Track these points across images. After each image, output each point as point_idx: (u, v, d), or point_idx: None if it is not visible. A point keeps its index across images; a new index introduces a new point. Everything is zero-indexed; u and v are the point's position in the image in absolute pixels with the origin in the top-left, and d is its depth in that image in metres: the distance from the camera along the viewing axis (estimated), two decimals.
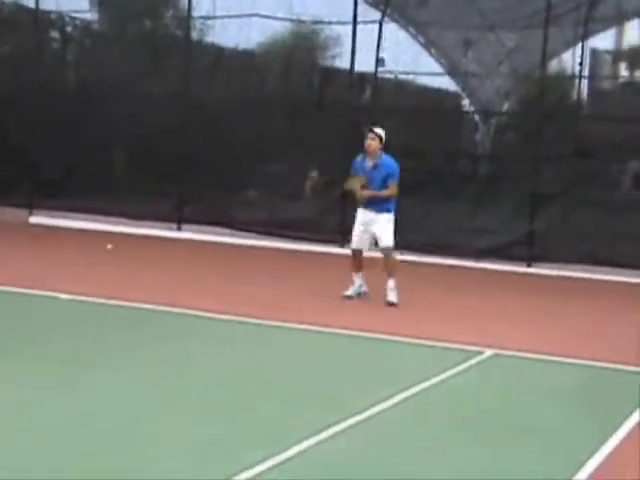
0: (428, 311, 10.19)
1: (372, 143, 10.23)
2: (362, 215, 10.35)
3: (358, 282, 10.50)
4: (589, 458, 5.43)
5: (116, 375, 6.75)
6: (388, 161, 10.29)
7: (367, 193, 10.19)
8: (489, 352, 8.12)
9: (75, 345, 7.68)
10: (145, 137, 15.74)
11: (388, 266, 10.27)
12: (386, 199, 10.21)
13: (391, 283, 10.19)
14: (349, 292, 10.45)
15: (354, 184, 10.28)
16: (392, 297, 10.15)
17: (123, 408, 5.98)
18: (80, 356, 7.30)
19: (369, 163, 10.27)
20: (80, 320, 8.75)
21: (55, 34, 18.00)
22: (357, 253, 10.45)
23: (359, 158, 10.45)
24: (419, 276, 13.05)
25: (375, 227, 10.24)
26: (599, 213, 14.10)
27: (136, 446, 5.32)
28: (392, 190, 10.20)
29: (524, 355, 8.12)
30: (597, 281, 13.16)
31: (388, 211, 10.22)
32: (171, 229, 15.79)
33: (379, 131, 10.30)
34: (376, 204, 10.20)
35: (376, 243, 10.41)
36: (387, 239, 10.18)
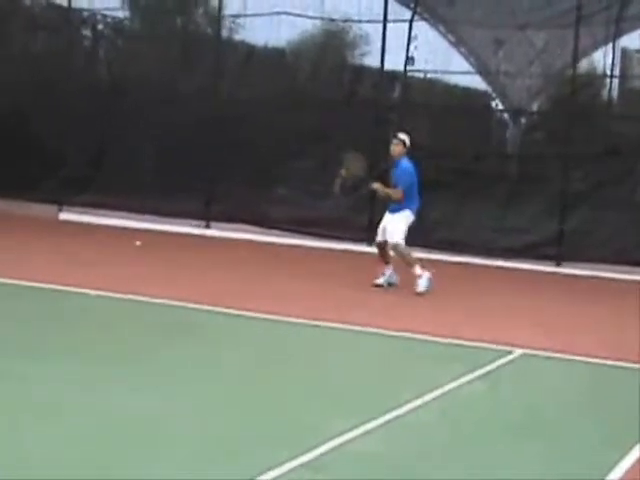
0: (456, 310, 10.18)
1: (395, 148, 10.98)
2: (386, 215, 11.12)
3: (388, 272, 11.05)
4: (615, 463, 5.40)
5: (147, 374, 6.81)
6: (403, 166, 10.90)
7: (376, 185, 11.06)
8: (518, 352, 8.11)
9: (98, 340, 7.76)
10: (175, 134, 15.82)
11: (401, 260, 10.90)
12: (396, 201, 10.87)
13: (415, 272, 10.72)
14: (380, 280, 11.01)
15: (347, 165, 11.14)
16: (417, 287, 10.71)
17: (154, 406, 6.02)
18: (107, 352, 7.37)
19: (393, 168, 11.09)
20: (108, 317, 8.84)
21: (87, 32, 18.13)
22: (379, 246, 11.10)
23: (409, 163, 11.06)
24: (447, 275, 13.03)
25: (388, 223, 10.96)
26: (629, 212, 14.03)
27: (160, 444, 5.31)
28: (397, 193, 10.83)
29: (553, 355, 8.10)
30: (626, 281, 13.09)
31: (402, 210, 10.88)
32: (200, 227, 15.87)
33: (403, 136, 10.95)
34: (392, 205, 11.00)
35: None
36: (392, 235, 10.80)
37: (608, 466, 5.30)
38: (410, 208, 10.95)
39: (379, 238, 11.10)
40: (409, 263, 10.86)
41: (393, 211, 10.97)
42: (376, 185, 11.05)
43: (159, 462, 5.00)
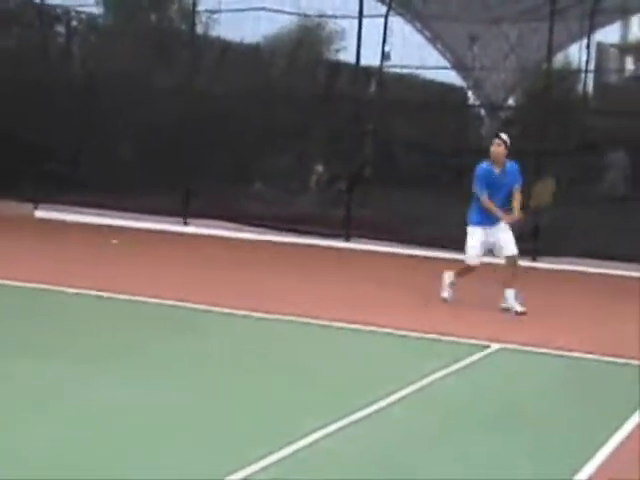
0: (434, 306, 10.19)
1: (499, 150, 9.82)
2: (482, 233, 9.94)
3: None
4: (593, 455, 5.43)
5: (126, 372, 6.79)
6: (514, 167, 9.98)
7: (512, 218, 9.86)
8: (495, 346, 8.14)
9: (85, 341, 7.72)
10: (152, 131, 15.77)
11: (511, 273, 9.93)
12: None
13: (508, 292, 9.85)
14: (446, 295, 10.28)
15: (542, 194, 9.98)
16: (517, 307, 9.77)
17: (138, 405, 6.00)
18: (87, 350, 7.34)
19: (497, 170, 9.88)
20: (88, 315, 8.79)
21: (60, 28, 18.02)
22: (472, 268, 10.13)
23: (484, 165, 9.94)
24: (425, 271, 13.07)
25: (497, 235, 9.87)
26: (604, 207, 14.11)
27: (135, 443, 5.31)
28: (520, 196, 9.97)
29: (530, 349, 8.13)
30: (602, 275, 13.15)
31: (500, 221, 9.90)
32: (178, 223, 15.82)
33: (505, 137, 9.90)
34: (491, 217, 9.87)
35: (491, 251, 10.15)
36: (513, 247, 9.87)
37: (580, 461, 5.32)
38: (472, 222, 10.07)
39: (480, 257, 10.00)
40: (515, 281, 9.92)
41: (494, 223, 9.86)
42: (511, 218, 9.86)
43: (131, 460, 4.98)
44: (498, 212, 9.81)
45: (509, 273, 9.92)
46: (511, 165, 9.95)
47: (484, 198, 9.79)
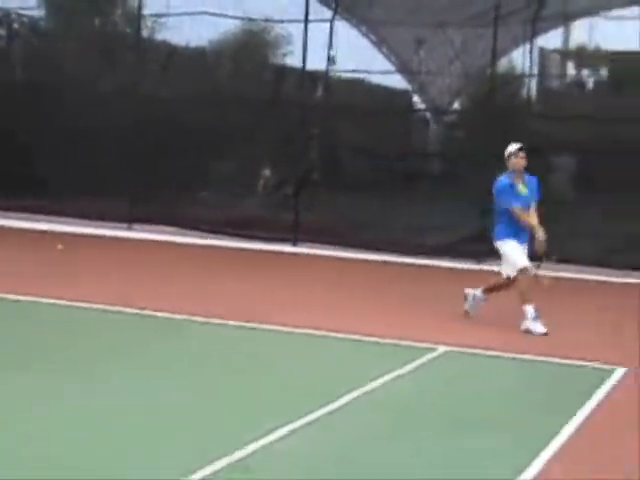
0: (382, 309, 10.21)
1: (522, 162, 9.28)
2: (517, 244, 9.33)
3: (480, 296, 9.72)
4: (537, 455, 5.48)
5: (70, 378, 6.70)
6: (534, 180, 9.45)
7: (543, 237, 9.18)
8: (442, 349, 8.18)
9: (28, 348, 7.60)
10: (96, 135, 15.60)
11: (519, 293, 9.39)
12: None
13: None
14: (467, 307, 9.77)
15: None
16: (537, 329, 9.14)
17: (88, 412, 5.93)
18: (44, 358, 7.22)
19: (520, 185, 9.32)
20: (33, 322, 8.66)
21: (1, 31, 17.76)
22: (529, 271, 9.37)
23: (504, 179, 9.34)
24: (371, 275, 13.12)
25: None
26: (545, 210, 14.26)
27: (91, 445, 5.25)
28: (537, 212, 9.39)
29: (477, 352, 8.19)
30: (548, 277, 13.27)
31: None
32: (122, 228, 15.67)
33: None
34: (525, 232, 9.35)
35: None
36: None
37: (524, 461, 5.36)
38: (504, 236, 9.41)
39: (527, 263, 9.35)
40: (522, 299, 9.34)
41: (524, 241, 9.40)
42: (542, 234, 9.21)
43: (87, 462, 4.95)
44: (533, 225, 9.19)
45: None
46: (530, 179, 9.44)
47: (517, 209, 9.19)
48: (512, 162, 9.30)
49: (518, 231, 9.28)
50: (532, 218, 9.31)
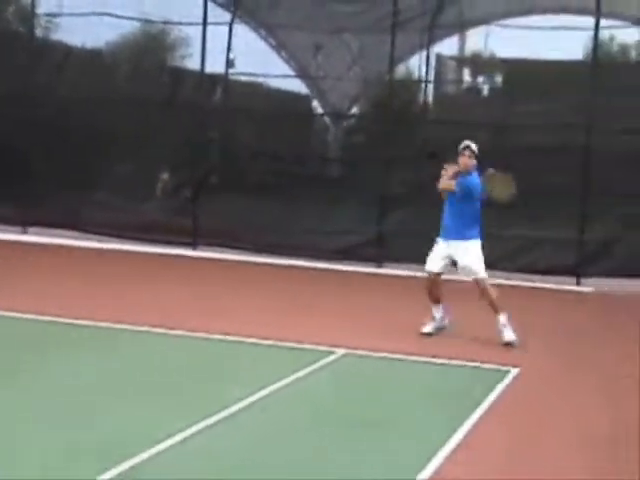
0: (280, 313, 10.22)
1: (468, 162, 8.97)
2: (445, 247, 9.10)
3: (439, 315, 9.27)
4: (434, 454, 5.57)
5: None
6: (475, 180, 9.01)
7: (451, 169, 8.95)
8: (340, 352, 8.23)
9: None
10: None
11: (488, 302, 9.06)
12: (467, 224, 8.96)
13: (501, 320, 8.95)
14: (428, 329, 9.22)
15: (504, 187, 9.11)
16: (505, 337, 8.91)
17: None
18: None
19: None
20: None
21: None
22: (433, 281, 9.16)
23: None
24: (271, 278, 13.12)
25: (460, 256, 9.02)
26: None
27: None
28: (451, 186, 8.95)
29: (374, 354, 8.26)
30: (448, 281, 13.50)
31: (472, 238, 9.03)
32: (16, 232, 15.29)
33: (474, 147, 9.01)
34: (458, 229, 9.00)
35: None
36: (475, 270, 9.00)
37: (423, 459, 5.45)
38: (479, 236, 9.08)
39: (437, 269, 9.13)
40: (496, 307, 8.96)
41: (463, 237, 9.00)
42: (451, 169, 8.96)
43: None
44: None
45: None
46: (475, 177, 9.04)
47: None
48: (459, 159, 9.03)
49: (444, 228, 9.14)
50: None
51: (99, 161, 15.49)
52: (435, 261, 9.19)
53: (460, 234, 9.04)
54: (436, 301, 9.27)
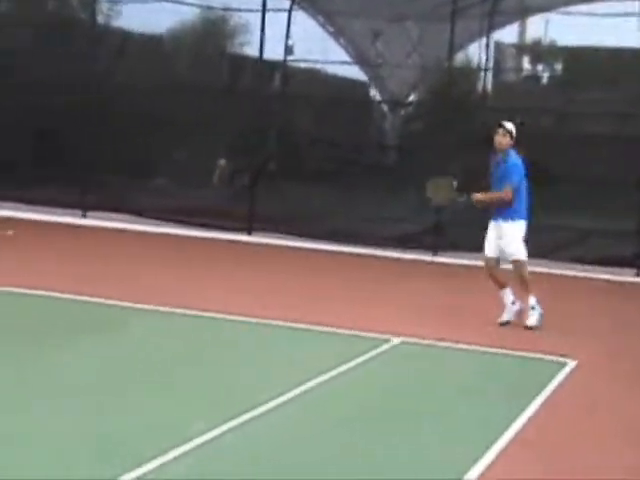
0: (336, 300, 10.25)
1: (502, 140, 8.94)
2: (493, 229, 9.11)
3: (509, 301, 9.10)
4: (490, 446, 5.54)
5: (29, 372, 6.64)
6: (512, 161, 8.96)
7: (478, 196, 9.07)
8: (396, 340, 8.23)
9: None
10: (51, 122, 15.42)
11: (520, 282, 9.13)
12: (506, 204, 8.92)
13: (530, 302, 9.04)
14: (505, 318, 9.15)
15: (438, 191, 9.38)
16: (529, 320, 9.01)
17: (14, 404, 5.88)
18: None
19: (495, 162, 9.11)
20: None
21: None
22: (491, 267, 9.13)
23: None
24: (327, 265, 13.15)
25: (501, 238, 9.04)
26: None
27: (17, 445, 5.15)
28: (507, 193, 8.91)
29: (430, 343, 8.25)
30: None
31: (515, 219, 9.00)
32: (76, 216, 15.53)
33: (510, 126, 8.95)
34: (500, 212, 9.01)
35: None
36: (513, 252, 9.02)
37: (477, 452, 5.41)
38: (523, 216, 9.03)
39: (491, 254, 9.13)
40: (527, 288, 9.06)
41: (504, 218, 8.99)
42: (478, 196, 9.09)
43: (19, 462, 4.85)
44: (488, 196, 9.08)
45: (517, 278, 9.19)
46: (513, 158, 8.99)
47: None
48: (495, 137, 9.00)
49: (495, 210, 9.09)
50: (491, 194, 9.12)
51: (158, 147, 15.65)
52: (488, 245, 9.16)
53: (502, 215, 9.00)
54: (502, 286, 9.15)
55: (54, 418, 5.58)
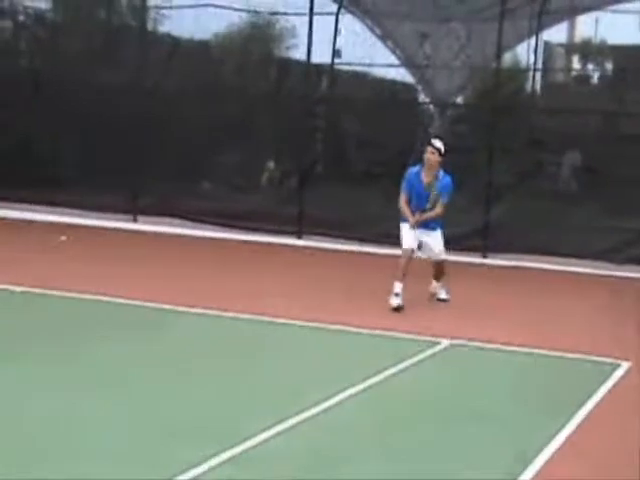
0: (384, 302, 10.22)
1: (431, 157, 9.55)
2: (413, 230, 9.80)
3: (399, 290, 9.68)
4: (541, 449, 5.51)
5: (77, 373, 6.72)
6: (446, 180, 9.69)
7: (417, 218, 9.71)
8: (445, 342, 8.21)
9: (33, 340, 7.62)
10: (100, 128, 15.59)
11: (441, 275, 10.43)
12: (439, 217, 9.86)
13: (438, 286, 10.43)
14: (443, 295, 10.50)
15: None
16: (442, 294, 10.44)
17: (78, 405, 5.95)
18: (42, 352, 7.25)
19: (425, 179, 9.67)
20: (38, 313, 8.69)
21: (8, 23, 17.75)
22: (408, 253, 9.77)
23: (415, 169, 9.76)
24: (373, 267, 13.12)
25: (429, 242, 9.97)
26: (552, 203, 14.30)
27: (83, 443, 5.25)
28: (440, 210, 9.74)
29: (480, 345, 8.21)
30: (551, 271, 13.31)
31: (438, 228, 9.98)
32: (127, 220, 15.69)
33: (439, 144, 9.62)
34: (426, 223, 9.84)
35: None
36: (441, 253, 10.14)
37: (528, 455, 5.38)
38: (442, 227, 10.08)
39: (412, 246, 9.79)
40: (444, 277, 10.48)
41: (432, 229, 9.90)
42: (417, 219, 9.72)
43: (80, 461, 4.93)
44: (409, 216, 9.74)
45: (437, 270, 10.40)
46: (445, 177, 9.71)
47: (401, 199, 9.78)
48: (424, 157, 9.64)
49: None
50: (432, 213, 9.75)
51: (207, 152, 15.75)
52: (409, 238, 9.82)
53: (430, 226, 9.91)
54: (403, 277, 9.65)
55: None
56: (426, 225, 9.86)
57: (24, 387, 6.23)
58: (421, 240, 9.90)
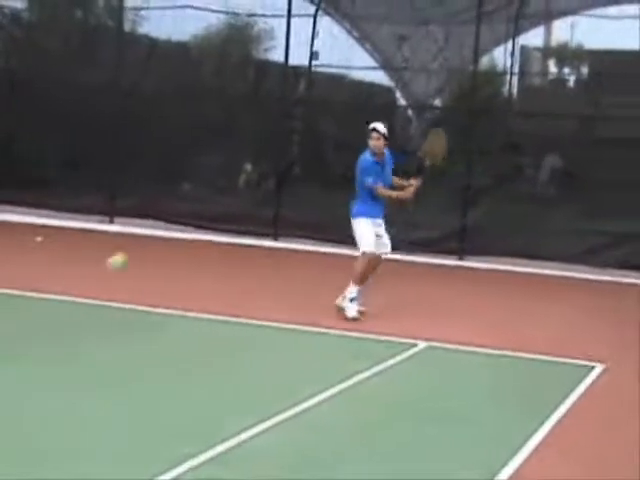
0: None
1: (378, 143, 9.13)
2: (370, 223, 9.30)
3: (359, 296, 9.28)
4: (519, 449, 5.54)
5: (63, 375, 6.69)
6: (388, 155, 9.36)
7: (416, 184, 9.30)
8: (422, 344, 8.22)
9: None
10: (77, 128, 15.52)
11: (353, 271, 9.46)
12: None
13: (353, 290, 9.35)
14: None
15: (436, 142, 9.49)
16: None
17: (59, 405, 5.92)
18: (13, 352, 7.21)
19: (378, 160, 9.24)
20: (12, 314, 8.63)
21: None
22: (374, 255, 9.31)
23: (370, 157, 9.21)
24: (350, 270, 13.11)
25: (383, 233, 9.42)
26: (528, 206, 14.38)
27: (66, 444, 5.25)
28: (398, 179, 9.43)
29: (457, 347, 8.24)
30: (526, 274, 13.38)
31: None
32: (103, 222, 15.62)
33: (384, 129, 9.16)
34: (382, 208, 9.39)
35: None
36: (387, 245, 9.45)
37: (504, 456, 5.40)
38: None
39: (375, 249, 9.32)
40: (358, 279, 9.36)
41: (382, 217, 9.42)
42: (416, 184, 9.32)
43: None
44: (399, 194, 9.35)
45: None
46: (387, 155, 9.36)
47: (381, 188, 9.17)
48: (369, 142, 9.18)
49: (373, 208, 9.28)
50: (400, 181, 9.39)
51: (184, 153, 15.71)
52: (373, 240, 9.26)
53: (382, 213, 9.38)
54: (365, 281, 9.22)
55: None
56: (383, 214, 9.36)
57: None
58: (378, 234, 9.32)
